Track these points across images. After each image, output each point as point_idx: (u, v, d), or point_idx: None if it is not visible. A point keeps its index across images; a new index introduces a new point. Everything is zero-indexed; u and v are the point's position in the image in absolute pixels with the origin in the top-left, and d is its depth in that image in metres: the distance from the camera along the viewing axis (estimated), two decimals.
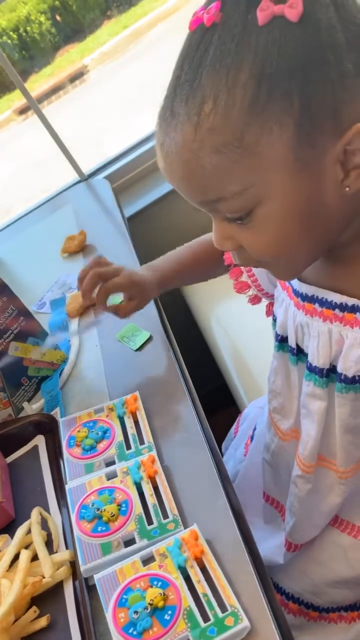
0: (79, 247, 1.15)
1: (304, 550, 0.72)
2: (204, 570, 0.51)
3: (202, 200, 0.48)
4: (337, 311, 0.55)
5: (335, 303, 0.55)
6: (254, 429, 0.89)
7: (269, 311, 0.75)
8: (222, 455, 0.96)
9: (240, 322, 1.24)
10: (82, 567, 0.55)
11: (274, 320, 0.66)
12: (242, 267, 0.72)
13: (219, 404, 1.24)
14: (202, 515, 0.57)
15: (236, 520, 0.55)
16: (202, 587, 0.50)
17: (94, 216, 1.30)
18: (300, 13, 0.40)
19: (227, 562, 0.52)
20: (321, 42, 0.41)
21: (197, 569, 0.51)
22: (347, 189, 0.45)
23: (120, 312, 0.78)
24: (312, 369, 0.59)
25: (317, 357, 0.57)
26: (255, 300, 0.75)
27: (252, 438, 0.88)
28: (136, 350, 0.83)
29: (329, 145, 0.43)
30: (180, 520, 0.57)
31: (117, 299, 0.81)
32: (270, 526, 0.78)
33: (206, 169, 0.44)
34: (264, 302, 0.75)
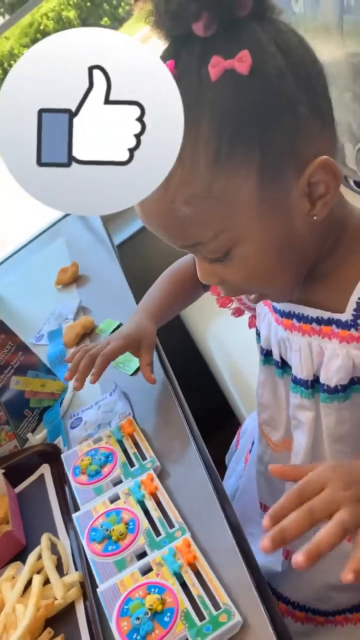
0: (72, 279, 1.20)
1: None
2: (198, 575, 0.54)
3: (181, 245, 0.51)
4: (314, 325, 0.58)
5: (312, 317, 0.58)
6: (253, 443, 0.92)
7: (252, 323, 0.77)
8: (227, 468, 0.99)
9: (236, 337, 1.27)
10: (101, 586, 0.57)
11: (258, 335, 0.69)
12: None
13: (223, 420, 1.26)
14: (200, 527, 0.60)
15: (232, 532, 0.58)
16: (196, 590, 0.53)
17: (86, 246, 1.35)
18: (249, 66, 0.42)
19: (224, 569, 0.54)
20: (273, 90, 0.44)
21: (192, 574, 0.54)
22: (314, 217, 0.49)
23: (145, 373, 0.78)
24: (297, 382, 0.61)
25: (301, 369, 0.60)
26: (237, 312, 0.77)
27: (251, 451, 0.91)
28: (131, 374, 0.86)
29: (293, 183, 0.47)
30: (186, 527, 0.59)
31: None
32: None
33: (180, 219, 0.47)
34: (247, 314, 0.78)
